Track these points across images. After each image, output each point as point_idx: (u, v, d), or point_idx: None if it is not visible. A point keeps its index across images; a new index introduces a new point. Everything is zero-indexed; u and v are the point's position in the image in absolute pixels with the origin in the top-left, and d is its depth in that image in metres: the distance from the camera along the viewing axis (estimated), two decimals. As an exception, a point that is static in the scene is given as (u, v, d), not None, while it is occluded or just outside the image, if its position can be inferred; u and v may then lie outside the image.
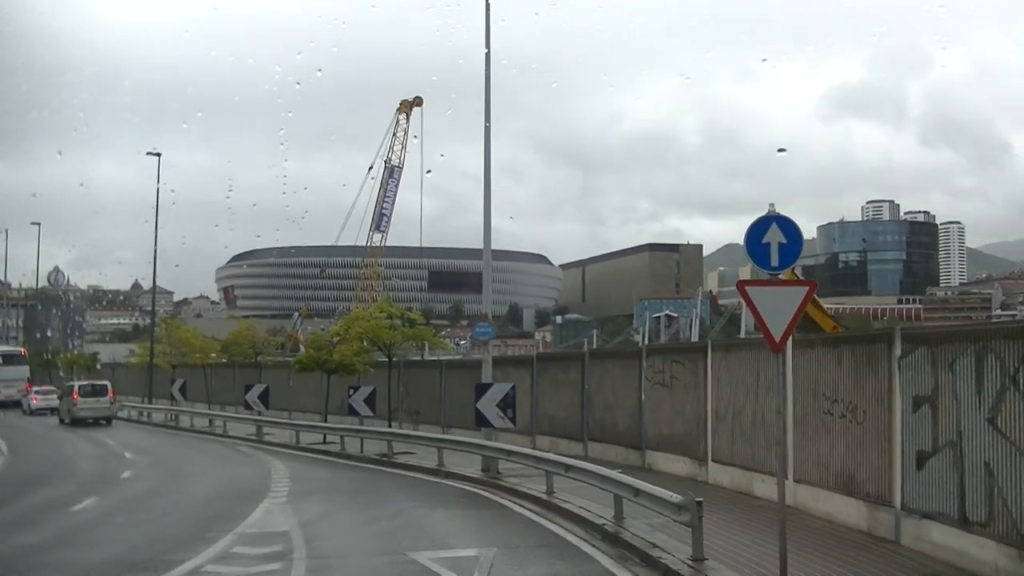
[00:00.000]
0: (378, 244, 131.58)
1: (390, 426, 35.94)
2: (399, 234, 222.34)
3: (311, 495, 25.22)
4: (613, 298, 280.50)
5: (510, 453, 25.25)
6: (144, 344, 57.92)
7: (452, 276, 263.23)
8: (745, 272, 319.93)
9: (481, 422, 27.29)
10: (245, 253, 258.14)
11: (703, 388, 23.71)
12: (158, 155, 57.71)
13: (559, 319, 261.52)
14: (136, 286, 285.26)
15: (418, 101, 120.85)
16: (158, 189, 55.75)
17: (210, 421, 48.62)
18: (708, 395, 23.40)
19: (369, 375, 42.40)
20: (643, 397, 27.12)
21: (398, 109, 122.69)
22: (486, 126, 27.02)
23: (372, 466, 32.66)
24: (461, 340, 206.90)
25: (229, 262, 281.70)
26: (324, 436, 38.84)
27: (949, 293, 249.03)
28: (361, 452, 35.08)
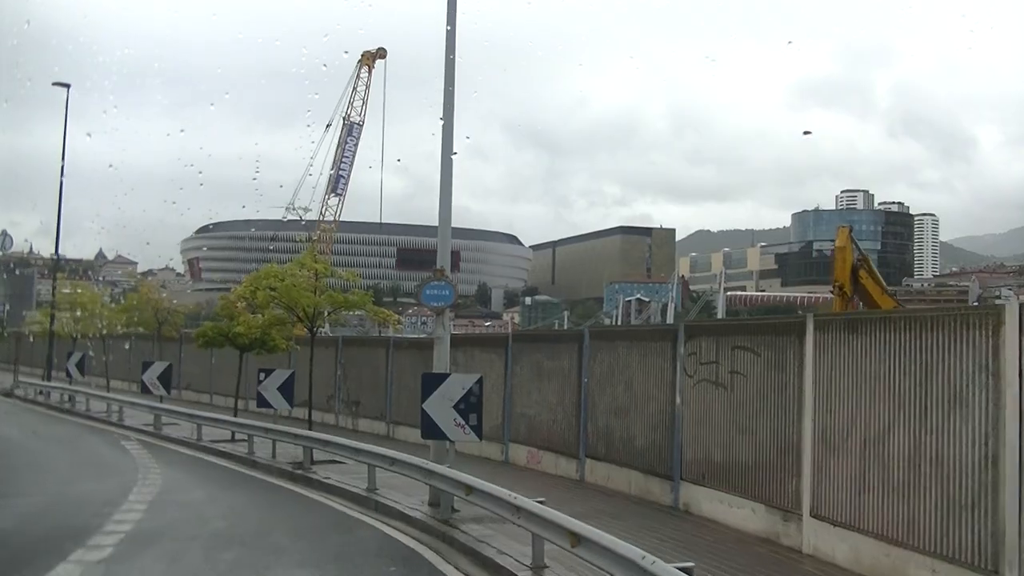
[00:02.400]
0: (334, 209, 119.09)
1: (310, 424, 26.01)
2: (369, 212, 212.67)
3: (155, 542, 15.54)
4: (583, 281, 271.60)
5: (471, 490, 15.40)
6: (47, 311, 47.94)
7: (421, 254, 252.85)
8: (717, 258, 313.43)
9: (430, 431, 17.62)
10: (210, 225, 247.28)
11: (795, 391, 14.09)
12: (67, 86, 47.45)
13: (528, 300, 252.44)
14: (100, 256, 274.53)
15: (381, 53, 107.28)
16: (65, 129, 45.55)
17: (107, 405, 38.56)
18: (806, 404, 13.80)
19: (298, 354, 32.71)
20: (678, 399, 17.51)
21: (359, 61, 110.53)
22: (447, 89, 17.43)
23: (279, 481, 23.05)
24: (426, 319, 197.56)
25: (195, 233, 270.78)
26: (232, 433, 29.01)
27: (926, 285, 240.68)
28: (272, 457, 25.42)
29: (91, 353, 44.10)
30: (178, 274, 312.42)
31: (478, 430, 17.38)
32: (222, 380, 42.52)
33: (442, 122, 18.26)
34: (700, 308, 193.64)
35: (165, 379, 34.57)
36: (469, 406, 17.23)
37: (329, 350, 35.24)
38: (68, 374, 43.67)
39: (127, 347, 46.88)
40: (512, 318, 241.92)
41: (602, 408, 20.30)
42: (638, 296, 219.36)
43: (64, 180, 35.82)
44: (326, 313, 25.88)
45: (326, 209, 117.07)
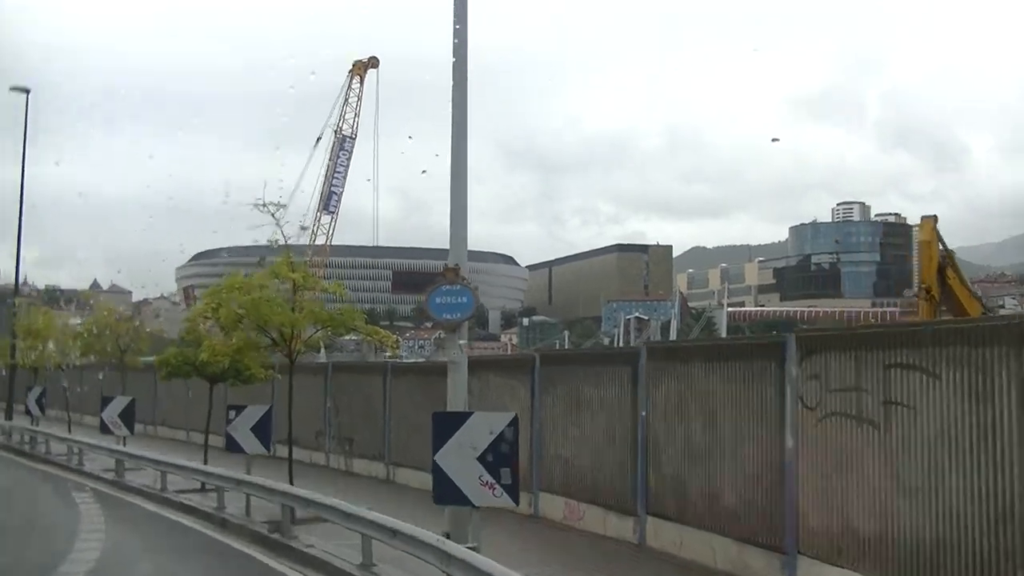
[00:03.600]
0: (327, 227, 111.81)
1: (291, 472, 20.78)
2: (359, 236, 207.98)
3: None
4: (580, 300, 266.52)
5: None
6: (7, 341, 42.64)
7: (416, 276, 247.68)
8: (715, 274, 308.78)
9: (445, 493, 12.59)
10: (204, 252, 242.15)
11: (1012, 434, 9.00)
12: (26, 91, 42.50)
13: (526, 321, 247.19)
14: (95, 285, 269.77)
15: (373, 62, 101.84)
16: (24, 138, 40.69)
17: (68, 447, 33.38)
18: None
19: (281, 384, 27.61)
20: (790, 441, 12.36)
21: (350, 71, 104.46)
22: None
23: (251, 548, 18.09)
24: (424, 342, 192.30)
25: (189, 262, 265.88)
26: (202, 483, 23.91)
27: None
28: (246, 515, 20.39)
29: (65, 384, 38.94)
30: (173, 302, 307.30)
31: (513, 490, 12.23)
32: (200, 415, 37.35)
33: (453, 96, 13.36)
34: (703, 326, 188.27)
35: (128, 416, 29.41)
36: (500, 457, 12.16)
37: (317, 378, 30.14)
38: (28, 411, 38.45)
39: (100, 377, 41.80)
40: (510, 339, 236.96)
41: (670, 452, 15.20)
42: (636, 314, 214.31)
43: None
44: (311, 334, 20.83)
45: (318, 228, 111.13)
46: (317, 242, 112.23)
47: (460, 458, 12.21)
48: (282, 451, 23.23)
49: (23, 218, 41.72)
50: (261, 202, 19.49)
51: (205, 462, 25.45)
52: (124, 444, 29.94)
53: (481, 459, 12.13)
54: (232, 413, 21.45)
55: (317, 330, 20.86)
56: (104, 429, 29.49)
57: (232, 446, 21.30)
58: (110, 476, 28.54)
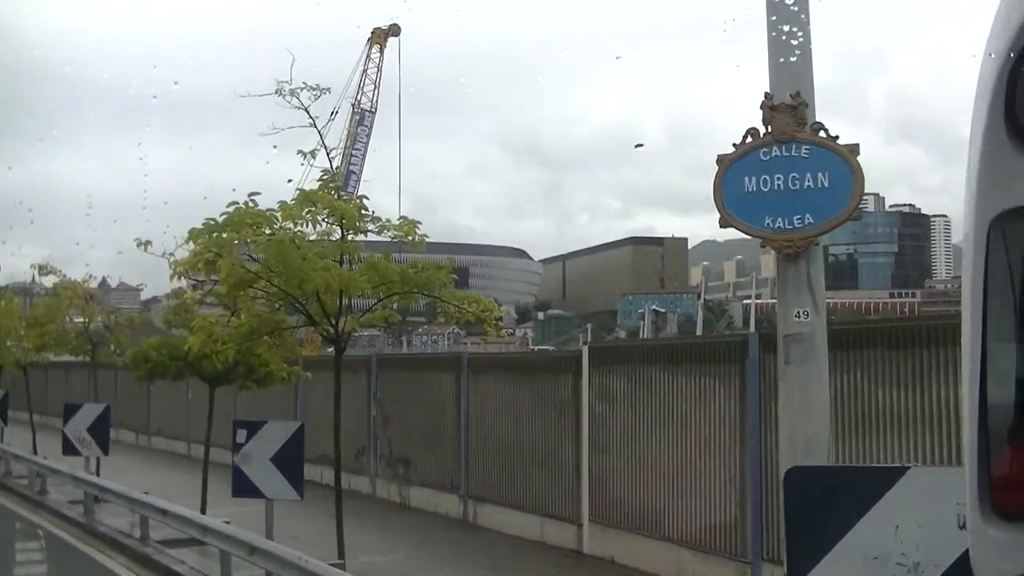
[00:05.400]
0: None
1: (339, 515, 12.44)
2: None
3: None
4: (595, 294, 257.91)
5: None
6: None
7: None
8: (730, 267, 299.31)
9: None
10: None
11: None
12: None
13: (541, 315, 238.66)
14: (103, 284, 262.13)
15: (394, 30, 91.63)
16: None
17: (29, 469, 25.07)
18: None
19: (306, 386, 19.55)
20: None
21: (369, 39, 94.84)
22: None
23: None
24: (436, 337, 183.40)
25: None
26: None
27: (949, 286, 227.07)
28: (265, 597, 12.19)
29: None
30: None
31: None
32: (204, 422, 29.17)
33: None
34: (728, 322, 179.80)
35: (101, 431, 21.13)
36: None
37: (357, 377, 21.90)
38: (-12, 421, 30.10)
39: (87, 378, 33.56)
40: (525, 333, 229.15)
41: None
42: (654, 307, 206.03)
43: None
44: (364, 311, 12.57)
45: None
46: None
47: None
48: (312, 472, 15.26)
49: None
50: (285, 87, 11.36)
51: (204, 501, 17.17)
52: (98, 466, 21.80)
53: None
54: (241, 435, 13.16)
55: (378, 300, 12.53)
56: (69, 449, 21.20)
57: (245, 489, 13.05)
58: (77, 512, 20.42)
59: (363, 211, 11.88)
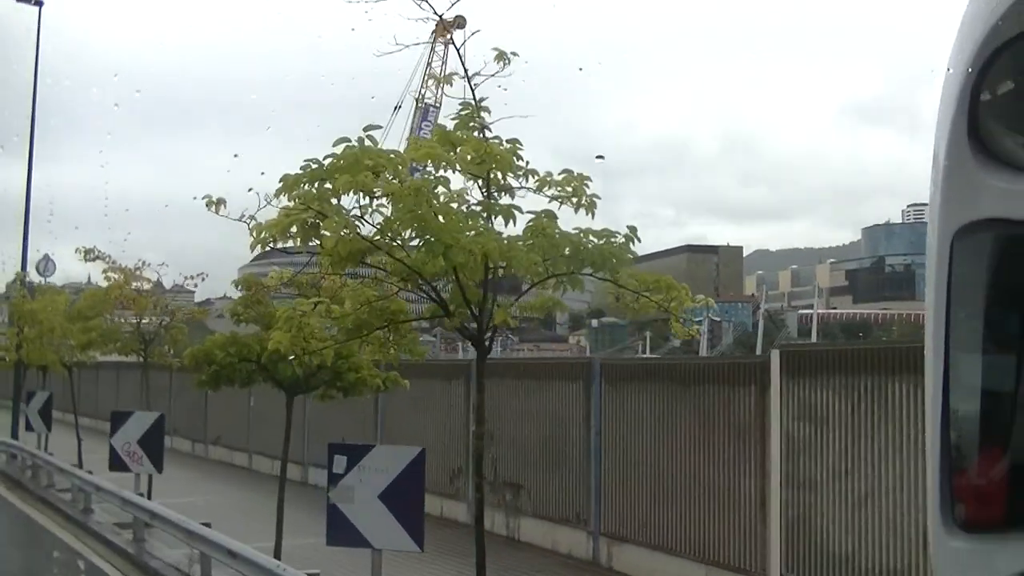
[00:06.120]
0: None
1: (481, 556, 9.03)
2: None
3: None
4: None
5: None
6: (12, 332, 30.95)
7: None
8: (785, 277, 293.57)
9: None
10: (268, 252, 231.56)
11: None
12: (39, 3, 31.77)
13: (595, 323, 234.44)
14: (158, 286, 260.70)
15: (459, 22, 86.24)
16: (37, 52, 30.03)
17: (71, 482, 21.83)
18: None
19: (391, 399, 16.28)
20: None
21: (433, 32, 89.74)
22: None
23: None
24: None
25: (251, 261, 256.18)
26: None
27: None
28: None
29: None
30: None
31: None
32: (268, 431, 25.85)
33: None
34: (785, 333, 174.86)
35: (153, 444, 17.81)
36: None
37: (453, 386, 18.52)
38: (29, 425, 26.89)
39: (139, 380, 30.35)
40: (579, 341, 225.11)
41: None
42: (710, 315, 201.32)
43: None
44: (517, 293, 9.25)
45: None
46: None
47: None
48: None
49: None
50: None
51: (280, 536, 13.76)
52: (150, 484, 18.53)
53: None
54: (339, 463, 9.72)
55: (532, 283, 9.06)
56: (117, 463, 17.90)
57: (344, 536, 9.62)
58: (125, 539, 17.18)
59: (518, 159, 8.38)
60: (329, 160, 7.87)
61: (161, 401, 26.58)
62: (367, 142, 7.78)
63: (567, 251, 8.43)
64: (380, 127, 8.12)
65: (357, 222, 7.70)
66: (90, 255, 20.27)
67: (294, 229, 8.06)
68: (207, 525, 14.15)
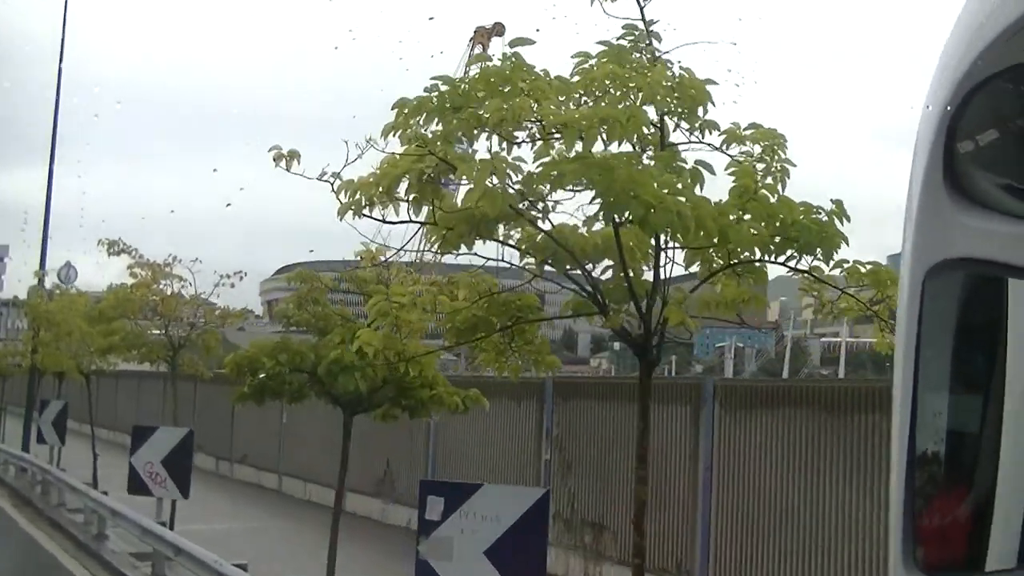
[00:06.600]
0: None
1: None
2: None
3: None
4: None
5: None
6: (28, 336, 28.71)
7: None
8: (807, 308, 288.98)
9: None
10: (289, 265, 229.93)
11: None
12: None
13: (617, 345, 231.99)
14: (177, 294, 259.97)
15: (499, 29, 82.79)
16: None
17: (84, 503, 19.47)
18: None
19: (444, 425, 14.05)
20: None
21: (471, 39, 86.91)
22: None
23: None
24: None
25: (274, 275, 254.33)
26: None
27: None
28: None
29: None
30: (257, 316, 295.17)
31: None
32: (302, 451, 23.57)
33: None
34: (808, 360, 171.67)
35: (180, 465, 15.45)
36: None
37: (519, 408, 16.17)
38: (41, 437, 24.58)
39: (163, 390, 28.11)
40: (600, 364, 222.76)
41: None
42: (734, 340, 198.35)
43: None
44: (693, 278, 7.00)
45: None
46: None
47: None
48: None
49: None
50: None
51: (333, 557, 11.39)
52: (173, 509, 16.19)
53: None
54: (435, 505, 7.39)
55: (712, 271, 6.72)
56: (137, 486, 15.54)
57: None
58: (142, 574, 14.90)
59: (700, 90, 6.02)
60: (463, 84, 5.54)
61: (184, 414, 24.23)
62: (513, 58, 5.44)
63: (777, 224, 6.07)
64: (531, 41, 5.74)
65: (510, 170, 5.31)
66: (114, 248, 17.94)
67: (404, 185, 5.73)
68: (243, 568, 11.78)
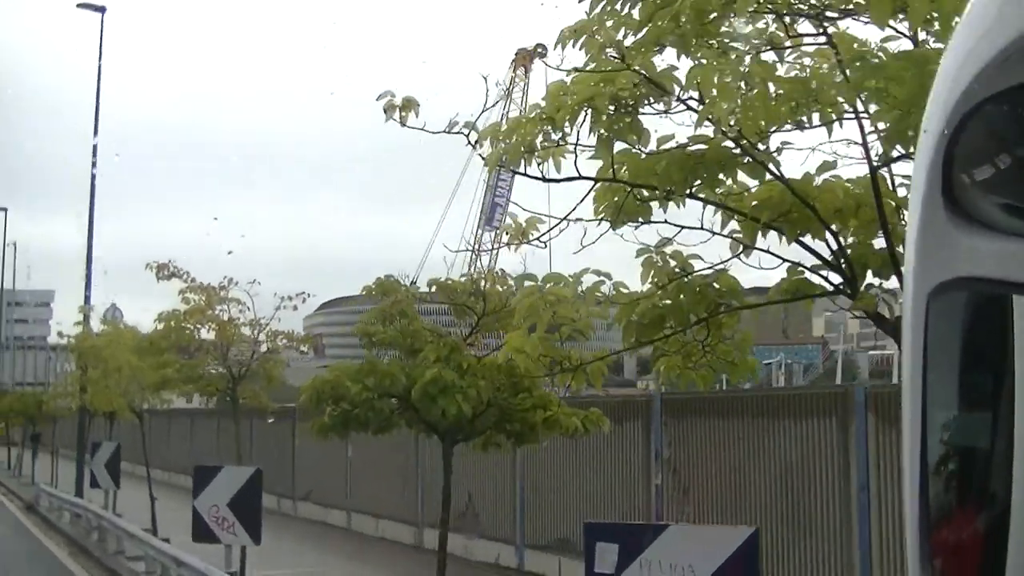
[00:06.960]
0: (489, 247, 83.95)
1: None
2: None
3: None
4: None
5: None
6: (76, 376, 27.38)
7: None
8: (854, 321, 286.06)
9: None
10: (334, 300, 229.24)
11: None
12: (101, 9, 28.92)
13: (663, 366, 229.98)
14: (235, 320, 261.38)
15: (540, 51, 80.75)
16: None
17: (145, 551, 17.96)
18: None
19: (540, 451, 12.41)
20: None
21: (513, 62, 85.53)
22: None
23: None
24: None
25: (317, 310, 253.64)
26: None
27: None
28: None
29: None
30: (301, 351, 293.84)
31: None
32: (371, 485, 21.99)
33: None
34: (855, 375, 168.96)
35: (248, 508, 13.89)
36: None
37: (623, 428, 14.47)
38: (94, 481, 23.14)
39: (216, 426, 26.55)
40: (647, 385, 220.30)
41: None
42: (780, 358, 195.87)
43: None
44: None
45: (478, 248, 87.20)
46: (478, 265, 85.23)
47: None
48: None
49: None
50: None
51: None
52: (243, 555, 14.67)
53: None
54: (608, 555, 5.71)
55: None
56: (202, 533, 13.98)
57: None
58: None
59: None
60: None
61: (242, 450, 22.79)
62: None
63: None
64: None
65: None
66: (163, 272, 16.41)
67: (585, 117, 4.12)
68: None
